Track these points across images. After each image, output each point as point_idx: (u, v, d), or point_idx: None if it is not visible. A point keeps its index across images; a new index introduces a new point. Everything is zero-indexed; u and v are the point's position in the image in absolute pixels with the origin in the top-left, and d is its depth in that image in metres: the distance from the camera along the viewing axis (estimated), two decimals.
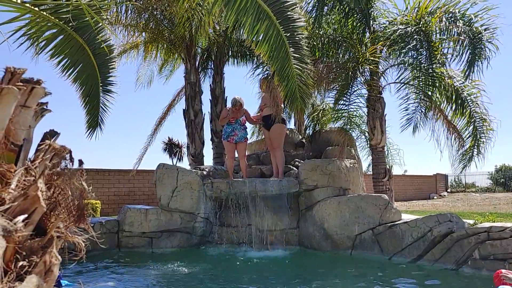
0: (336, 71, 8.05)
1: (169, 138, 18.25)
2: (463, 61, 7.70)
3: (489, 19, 7.73)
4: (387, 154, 9.51)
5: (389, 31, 8.23)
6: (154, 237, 7.13)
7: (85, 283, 4.78)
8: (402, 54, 8.15)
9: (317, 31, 8.58)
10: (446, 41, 7.94)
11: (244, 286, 4.90)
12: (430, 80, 7.58)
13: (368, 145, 9.05)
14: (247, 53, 11.98)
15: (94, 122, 7.37)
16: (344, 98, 8.05)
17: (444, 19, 7.87)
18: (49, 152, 1.43)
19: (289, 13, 6.02)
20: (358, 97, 8.18)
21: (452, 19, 7.90)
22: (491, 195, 23.25)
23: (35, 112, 1.47)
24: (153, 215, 7.17)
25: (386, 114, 8.77)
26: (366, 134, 9.02)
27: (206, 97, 13.23)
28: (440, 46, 7.94)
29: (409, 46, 7.86)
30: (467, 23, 7.78)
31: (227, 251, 6.92)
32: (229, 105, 8.44)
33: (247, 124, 8.03)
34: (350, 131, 8.20)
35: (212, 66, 12.31)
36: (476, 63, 7.55)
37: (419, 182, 26.06)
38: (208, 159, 12.04)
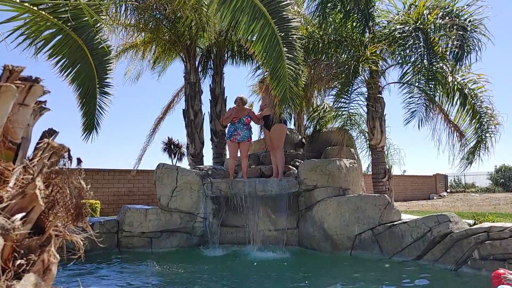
0: (337, 70, 8.04)
1: (168, 138, 18.28)
2: (455, 54, 7.74)
3: (478, 12, 7.81)
4: (387, 154, 9.51)
5: (389, 31, 8.23)
6: (153, 237, 7.12)
7: (84, 283, 4.77)
8: (402, 53, 8.15)
9: (317, 31, 8.59)
10: (444, 37, 7.93)
11: (244, 286, 4.89)
12: (431, 77, 7.58)
13: (368, 145, 9.05)
14: (247, 53, 11.98)
15: (90, 125, 7.31)
16: (345, 96, 8.04)
17: (440, 15, 7.88)
18: (47, 150, 1.43)
19: (284, 13, 6.02)
20: (359, 95, 8.18)
21: (446, 14, 7.92)
22: (491, 195, 23.25)
23: (34, 110, 1.47)
24: (153, 215, 7.16)
25: (385, 114, 8.78)
26: (366, 134, 9.02)
27: (206, 97, 13.25)
28: (439, 41, 7.93)
29: (408, 44, 7.86)
30: (456, 15, 7.84)
31: (227, 251, 6.91)
32: (231, 105, 8.45)
33: (253, 124, 8.05)
34: (350, 130, 8.19)
35: (212, 66, 12.32)
36: (467, 55, 7.62)
37: (418, 182, 26.07)
38: (208, 159, 12.06)
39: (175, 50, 11.82)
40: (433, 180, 27.59)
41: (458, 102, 8.25)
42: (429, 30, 7.92)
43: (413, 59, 8.07)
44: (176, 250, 7.05)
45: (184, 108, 11.74)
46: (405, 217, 6.47)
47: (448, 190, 29.40)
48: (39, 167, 1.36)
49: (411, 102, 8.11)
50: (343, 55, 8.67)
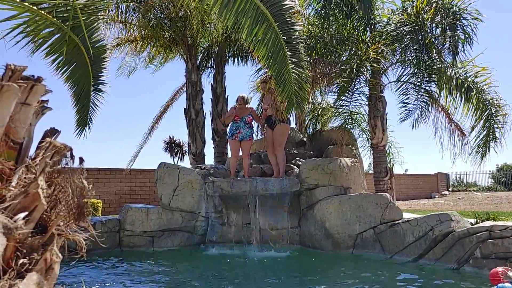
0: (339, 68, 8.02)
1: (170, 137, 18.29)
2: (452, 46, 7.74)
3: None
4: (388, 153, 9.49)
5: (389, 29, 8.22)
6: (155, 236, 7.13)
7: (86, 282, 4.78)
8: (402, 51, 8.14)
9: (322, 30, 8.58)
10: (441, 29, 7.92)
11: (245, 285, 4.90)
12: (431, 72, 7.57)
13: (369, 144, 9.04)
14: (249, 52, 11.97)
15: (83, 121, 7.34)
16: (346, 95, 8.02)
17: (435, 9, 7.87)
18: (49, 150, 1.43)
19: (287, 16, 6.00)
20: (360, 95, 8.16)
21: (442, 8, 7.92)
22: (493, 194, 23.22)
23: (36, 110, 1.47)
24: (154, 214, 7.17)
25: (387, 113, 8.77)
26: (367, 133, 9.01)
27: (207, 96, 13.22)
28: (437, 40, 7.90)
29: (407, 40, 7.86)
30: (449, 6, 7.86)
31: (228, 250, 6.91)
32: (232, 104, 8.46)
33: (254, 123, 8.05)
34: (351, 129, 8.18)
35: (213, 65, 12.31)
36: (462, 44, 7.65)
37: (420, 181, 26.05)
38: (209, 158, 12.05)
39: (176, 49, 11.81)
40: (435, 179, 27.56)
41: (463, 96, 8.14)
42: (427, 25, 7.90)
43: (412, 55, 8.06)
44: (177, 249, 7.06)
45: (185, 107, 11.74)
46: (407, 216, 6.46)
47: (450, 189, 29.38)
48: (41, 166, 1.36)
49: (405, 101, 8.10)
50: (345, 54, 8.66)
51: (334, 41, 8.63)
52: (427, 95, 7.96)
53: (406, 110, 8.08)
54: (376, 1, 8.69)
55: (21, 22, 4.92)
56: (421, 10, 8.05)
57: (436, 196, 24.87)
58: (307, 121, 10.12)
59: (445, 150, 8.57)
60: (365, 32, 8.87)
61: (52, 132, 1.62)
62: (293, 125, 10.30)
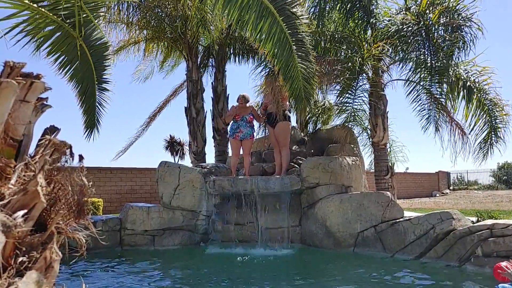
0: (342, 66, 8.01)
1: (170, 136, 18.26)
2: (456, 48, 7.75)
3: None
4: (389, 151, 9.48)
5: (392, 28, 8.19)
6: (156, 235, 7.13)
7: (87, 281, 4.78)
8: (406, 50, 8.13)
9: (318, 29, 8.56)
10: (445, 31, 7.89)
11: (246, 284, 4.89)
12: (436, 73, 7.56)
13: (370, 142, 9.02)
14: (249, 51, 11.96)
15: (91, 123, 7.30)
16: (350, 92, 8.01)
17: (440, 11, 7.85)
18: (49, 147, 1.42)
19: (291, 10, 5.98)
20: (363, 92, 8.15)
21: (446, 10, 7.90)
22: (494, 193, 23.21)
23: (35, 107, 1.46)
24: (155, 213, 7.17)
25: (388, 111, 8.75)
26: (368, 131, 8.99)
27: (207, 95, 13.23)
28: (444, 42, 7.88)
29: (411, 40, 7.84)
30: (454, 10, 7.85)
31: (229, 249, 6.91)
32: (233, 103, 8.46)
33: (255, 122, 8.04)
34: (353, 127, 8.17)
35: (214, 63, 12.30)
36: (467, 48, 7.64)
37: (421, 179, 26.03)
38: (210, 157, 12.04)
39: (177, 48, 11.81)
40: (436, 178, 27.54)
41: (465, 95, 8.14)
42: (431, 26, 7.88)
43: (421, 57, 8.05)
44: (178, 248, 7.06)
45: (186, 106, 11.73)
46: (408, 214, 6.45)
47: (451, 188, 29.36)
48: (41, 164, 1.35)
49: (423, 109, 8.13)
50: (346, 52, 8.64)
51: (334, 40, 8.60)
52: (429, 93, 7.95)
53: (424, 115, 8.13)
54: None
55: (21, 21, 4.90)
56: (426, 11, 8.03)
57: (437, 195, 24.86)
58: (308, 120, 10.11)
59: (445, 148, 8.55)
60: (366, 31, 8.85)
61: (52, 130, 1.61)
62: (294, 123, 10.30)
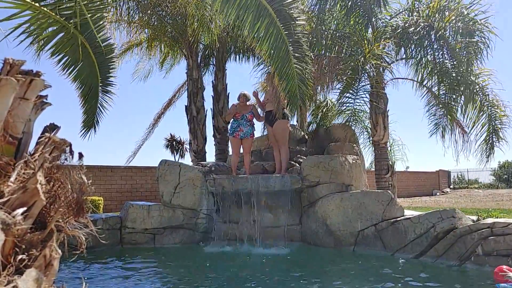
0: (343, 65, 8.00)
1: (171, 134, 18.28)
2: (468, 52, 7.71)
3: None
4: (390, 150, 9.48)
5: (395, 28, 8.20)
6: (156, 234, 7.14)
7: (87, 280, 4.78)
8: (414, 51, 8.14)
9: (319, 27, 8.55)
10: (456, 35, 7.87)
11: (247, 282, 4.89)
12: (455, 84, 7.58)
13: (371, 141, 9.02)
14: (249, 49, 11.95)
15: (90, 122, 7.32)
16: (351, 92, 8.00)
17: (453, 16, 7.82)
18: (49, 145, 1.42)
19: (288, 11, 5.99)
20: (365, 92, 8.15)
21: (458, 14, 7.88)
22: (494, 192, 23.19)
23: (35, 105, 1.45)
24: (156, 212, 7.17)
25: (388, 110, 8.74)
26: (369, 130, 8.99)
27: (208, 94, 13.21)
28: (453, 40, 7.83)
29: (422, 42, 7.84)
30: (465, 15, 7.82)
31: (229, 248, 6.91)
32: (233, 101, 8.45)
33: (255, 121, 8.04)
34: (354, 126, 8.17)
35: (214, 62, 12.30)
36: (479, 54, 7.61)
37: (421, 178, 26.00)
38: (210, 156, 12.05)
39: (177, 47, 11.81)
40: (436, 176, 27.51)
41: (466, 95, 8.14)
42: (441, 29, 7.86)
43: (422, 57, 8.05)
44: (179, 246, 7.06)
45: (186, 104, 11.73)
46: (408, 213, 6.45)
47: (451, 186, 29.34)
48: (40, 161, 1.35)
49: (434, 114, 8.13)
50: (347, 50, 8.63)
51: (335, 38, 8.60)
52: (432, 94, 7.98)
53: (434, 120, 8.20)
54: None
55: (23, 22, 4.88)
56: (436, 14, 8.02)
57: (438, 194, 24.84)
58: (308, 118, 10.11)
59: (447, 147, 8.55)
60: (367, 29, 8.85)
61: (52, 128, 1.60)
62: (294, 122, 10.29)
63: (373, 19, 8.68)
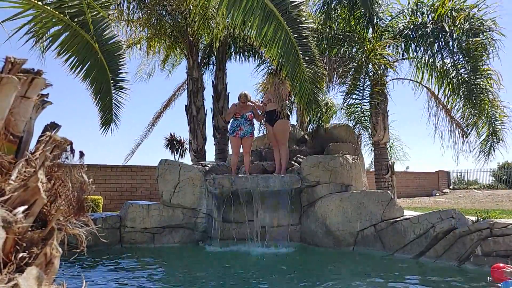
0: (346, 65, 8.00)
1: (171, 134, 18.28)
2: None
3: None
4: (390, 150, 9.48)
5: (405, 30, 8.22)
6: (156, 233, 7.14)
7: (87, 278, 4.78)
8: (418, 50, 8.15)
9: (321, 26, 8.56)
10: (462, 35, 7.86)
11: (246, 282, 4.89)
12: (457, 84, 7.57)
13: (371, 141, 9.02)
14: (250, 49, 11.96)
15: (108, 119, 7.40)
16: (357, 92, 8.00)
17: (461, 17, 7.81)
18: (49, 143, 1.42)
19: (296, 14, 5.93)
20: (368, 86, 8.15)
21: (465, 15, 7.88)
22: (494, 192, 23.21)
23: (36, 103, 1.46)
24: (155, 211, 7.18)
25: (388, 110, 8.74)
26: (369, 130, 9.00)
27: (208, 93, 13.22)
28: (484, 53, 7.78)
29: (427, 42, 7.84)
30: (471, 16, 7.81)
31: (229, 247, 6.91)
32: (233, 101, 8.46)
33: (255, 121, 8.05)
34: (362, 128, 8.18)
35: (215, 61, 12.30)
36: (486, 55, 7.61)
37: (421, 179, 26.02)
38: (210, 155, 12.05)
39: (178, 46, 11.81)
40: (436, 177, 27.52)
41: (466, 95, 8.13)
42: (447, 28, 7.85)
43: (423, 57, 8.05)
44: (178, 246, 7.06)
45: (186, 104, 11.73)
46: (408, 213, 6.46)
47: (451, 187, 29.36)
48: (41, 160, 1.35)
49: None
50: (349, 50, 8.64)
51: (336, 38, 8.60)
52: (433, 95, 7.98)
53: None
54: None
55: (27, 22, 4.87)
56: (442, 15, 8.03)
57: (437, 194, 24.85)
58: (308, 118, 10.12)
59: (446, 148, 8.55)
60: (367, 30, 8.85)
61: (53, 127, 1.61)
62: (294, 122, 10.30)
63: (374, 20, 8.67)
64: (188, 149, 12.36)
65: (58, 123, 1.66)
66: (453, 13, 8.00)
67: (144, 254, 6.48)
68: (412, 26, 8.14)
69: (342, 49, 8.66)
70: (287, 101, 7.67)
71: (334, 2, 8.56)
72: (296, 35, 5.94)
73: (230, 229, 7.29)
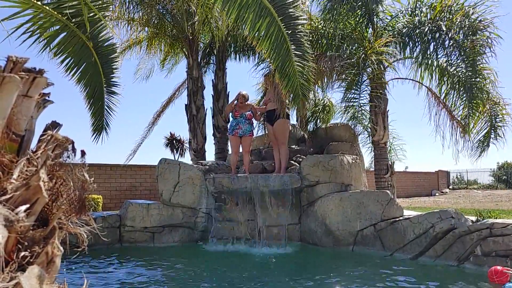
0: (344, 62, 8.00)
1: (171, 133, 18.25)
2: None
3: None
4: (390, 149, 9.49)
5: (404, 29, 8.22)
6: (156, 232, 7.14)
7: (86, 278, 4.78)
8: (416, 49, 8.15)
9: (320, 26, 8.56)
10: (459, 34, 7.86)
11: (245, 282, 4.90)
12: (458, 83, 7.58)
13: (371, 141, 9.03)
14: (250, 48, 11.95)
15: (99, 126, 7.31)
16: (355, 88, 8.01)
17: (458, 16, 7.82)
18: (51, 142, 1.42)
19: (290, 10, 6.00)
20: (368, 86, 8.16)
21: (462, 14, 7.88)
22: (493, 192, 23.23)
23: (37, 102, 1.46)
24: (155, 210, 7.18)
25: (388, 110, 8.75)
26: (369, 130, 9.01)
27: (208, 92, 13.20)
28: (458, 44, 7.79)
29: (419, 42, 7.85)
30: (467, 15, 7.81)
31: (228, 247, 6.92)
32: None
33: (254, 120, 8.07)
34: (359, 124, 8.20)
35: (215, 61, 12.30)
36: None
37: (420, 178, 26.04)
38: (210, 155, 12.06)
39: (178, 46, 11.81)
40: (435, 177, 27.55)
41: (466, 93, 8.14)
42: (444, 27, 7.86)
43: (423, 57, 8.05)
44: (178, 245, 7.07)
45: (186, 103, 11.73)
46: (407, 213, 6.46)
47: (450, 187, 29.38)
48: (43, 159, 1.35)
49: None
50: (349, 49, 8.64)
51: (336, 36, 8.60)
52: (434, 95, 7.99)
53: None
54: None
55: (25, 21, 4.87)
56: (439, 15, 8.04)
57: (437, 194, 24.87)
58: (308, 118, 10.11)
59: (446, 147, 8.55)
60: (367, 29, 8.86)
61: (54, 126, 1.61)
62: (294, 121, 10.30)
63: (374, 19, 8.68)
64: (188, 148, 12.36)
65: (59, 122, 1.67)
66: (451, 11, 8.02)
67: (143, 253, 6.48)
68: (411, 26, 8.15)
69: (341, 49, 8.66)
70: (287, 101, 7.66)
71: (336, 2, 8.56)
72: (289, 31, 5.99)
73: (229, 229, 7.30)
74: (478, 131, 8.28)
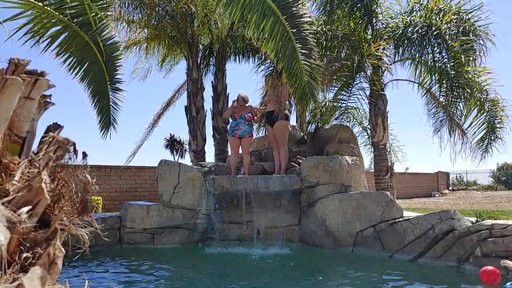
0: (340, 64, 8.03)
1: (171, 135, 18.28)
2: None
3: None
4: (390, 150, 9.50)
5: (396, 28, 8.22)
6: (155, 233, 7.14)
7: (88, 279, 4.78)
8: (412, 51, 8.16)
9: (319, 28, 8.57)
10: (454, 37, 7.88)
11: (246, 283, 4.90)
12: (456, 85, 7.60)
13: (370, 142, 9.04)
14: (250, 49, 11.95)
15: (106, 122, 7.39)
16: (345, 90, 8.04)
17: (452, 18, 7.84)
18: (52, 144, 1.43)
19: (294, 8, 6.00)
20: (359, 90, 8.18)
21: (458, 17, 7.90)
22: (493, 193, 23.24)
23: (39, 104, 1.46)
24: (155, 212, 7.18)
25: (388, 111, 8.76)
26: (369, 131, 9.02)
27: (208, 94, 13.21)
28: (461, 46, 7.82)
29: (420, 43, 7.88)
30: (464, 20, 7.84)
31: (228, 248, 6.92)
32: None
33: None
34: (346, 123, 8.21)
35: (214, 62, 12.29)
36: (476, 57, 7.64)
37: (420, 179, 26.05)
38: (210, 156, 12.04)
39: (177, 47, 11.81)
40: (435, 178, 27.56)
41: (465, 95, 8.16)
42: (441, 31, 7.88)
43: (420, 57, 8.07)
44: (178, 246, 7.06)
45: (186, 104, 11.73)
46: (407, 214, 6.46)
47: (450, 188, 29.38)
48: (45, 160, 1.36)
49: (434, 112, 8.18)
50: (346, 50, 8.66)
51: (335, 38, 8.62)
52: (431, 94, 8.00)
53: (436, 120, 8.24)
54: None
55: (26, 22, 4.88)
56: (436, 15, 8.07)
57: (436, 195, 24.87)
58: (308, 119, 10.13)
59: (443, 148, 8.58)
60: (366, 30, 8.87)
61: (55, 127, 1.61)
62: (294, 123, 10.30)
63: (373, 21, 8.69)
64: (188, 149, 12.36)
65: (60, 124, 1.67)
66: (444, 13, 8.07)
67: (143, 254, 6.48)
68: (410, 29, 8.17)
69: (341, 50, 8.68)
70: (286, 102, 7.68)
71: (336, 1, 8.57)
72: (294, 30, 6.00)
73: (229, 230, 7.30)
74: (476, 132, 8.30)
